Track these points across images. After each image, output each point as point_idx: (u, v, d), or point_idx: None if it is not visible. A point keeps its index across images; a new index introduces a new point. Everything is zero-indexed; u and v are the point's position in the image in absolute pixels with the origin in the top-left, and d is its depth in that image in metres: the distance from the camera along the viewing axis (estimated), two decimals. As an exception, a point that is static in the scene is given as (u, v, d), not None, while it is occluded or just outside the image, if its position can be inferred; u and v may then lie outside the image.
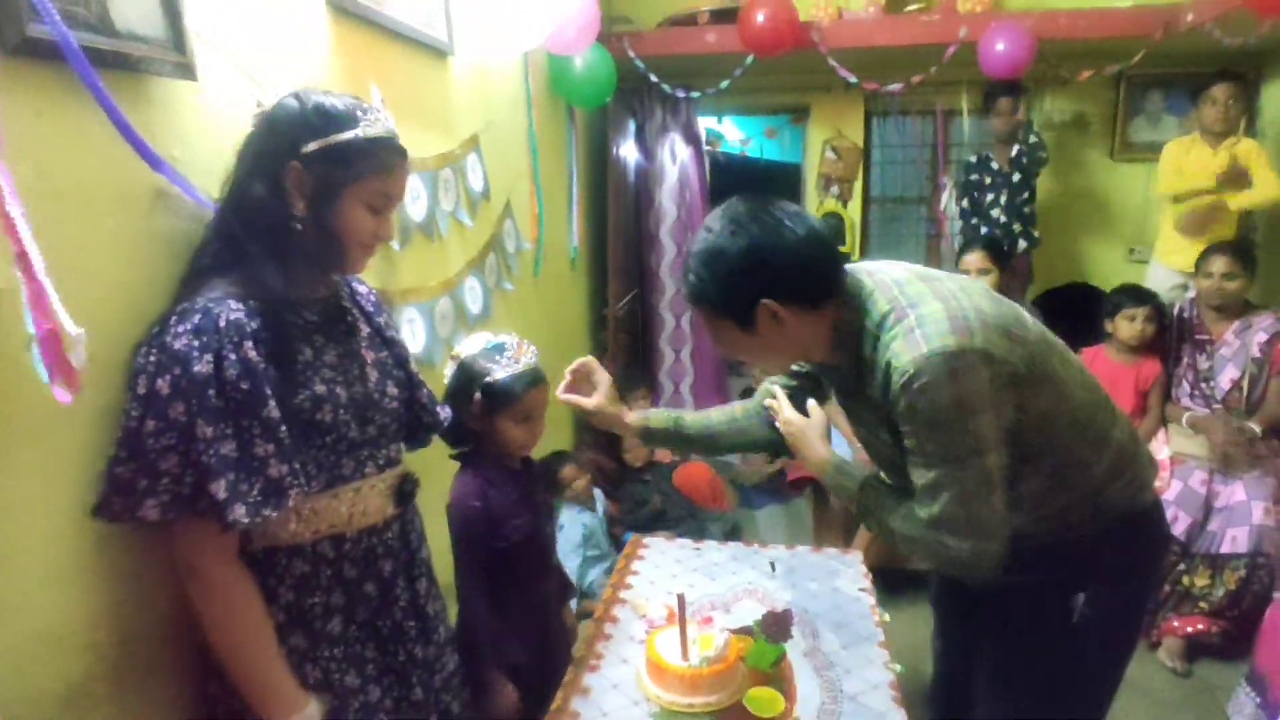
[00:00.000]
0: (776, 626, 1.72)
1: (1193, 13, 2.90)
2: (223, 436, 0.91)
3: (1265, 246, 3.22)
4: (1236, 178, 2.95)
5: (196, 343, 0.91)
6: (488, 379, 1.48)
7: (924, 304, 1.08)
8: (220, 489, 0.90)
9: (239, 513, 0.91)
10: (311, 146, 0.99)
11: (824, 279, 1.13)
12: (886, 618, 1.72)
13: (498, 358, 1.50)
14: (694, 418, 1.60)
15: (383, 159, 1.05)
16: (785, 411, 1.39)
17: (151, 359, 0.92)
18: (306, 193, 1.01)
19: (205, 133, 1.13)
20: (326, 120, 1.01)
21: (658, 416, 1.58)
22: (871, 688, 1.53)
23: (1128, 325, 2.73)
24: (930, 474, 1.09)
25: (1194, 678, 2.36)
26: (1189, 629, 2.41)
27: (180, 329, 0.92)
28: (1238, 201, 2.99)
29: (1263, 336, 2.54)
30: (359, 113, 1.03)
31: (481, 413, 1.49)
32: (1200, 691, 2.30)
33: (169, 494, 0.91)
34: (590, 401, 1.52)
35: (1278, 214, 3.37)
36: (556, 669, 1.60)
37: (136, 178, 1.02)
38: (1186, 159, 3.10)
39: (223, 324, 0.93)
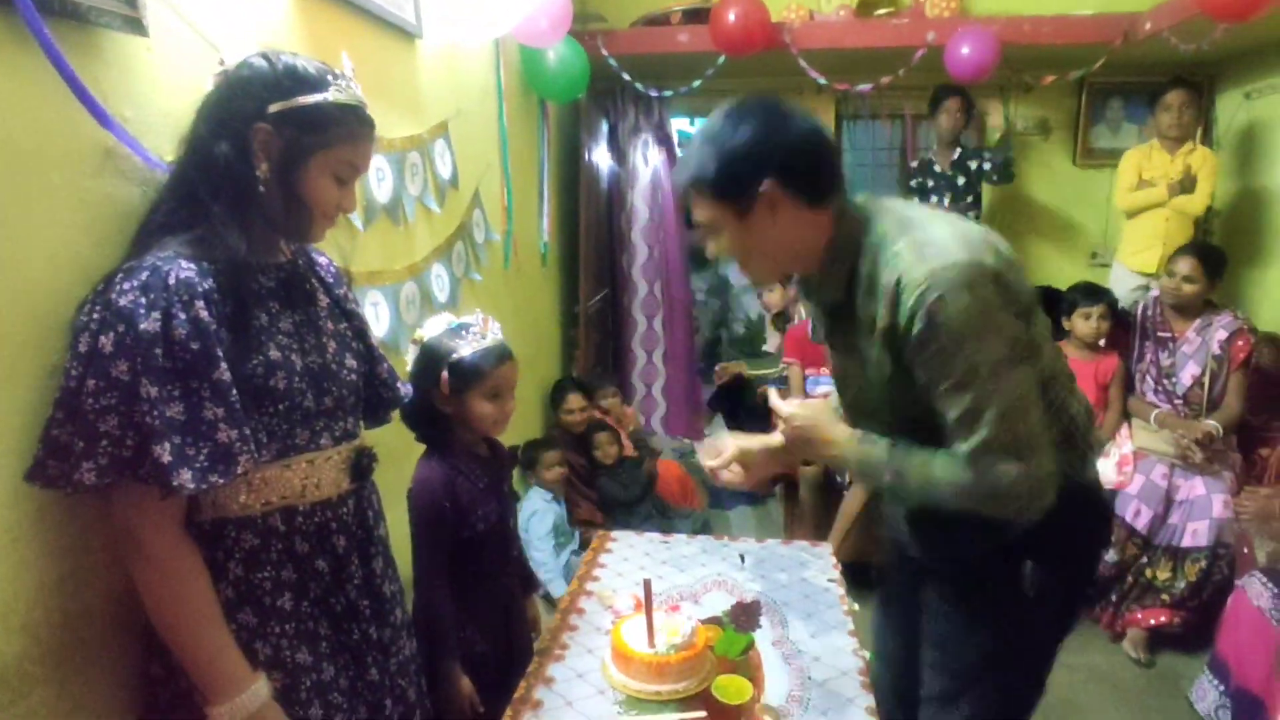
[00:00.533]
0: (745, 616, 1.70)
1: (1151, 20, 2.98)
2: (169, 398, 0.87)
3: (1221, 249, 3.31)
4: (1188, 186, 3.08)
5: (143, 299, 0.88)
6: (455, 356, 1.45)
7: (930, 226, 1.06)
8: (165, 452, 0.86)
9: (185, 477, 0.87)
10: (280, 107, 0.97)
11: (826, 174, 1.11)
12: (855, 607, 1.72)
13: (464, 334, 1.48)
14: None
15: (353, 128, 1.03)
16: (786, 407, 1.24)
17: (95, 316, 0.88)
18: (273, 156, 0.98)
19: (157, 92, 1.09)
20: (297, 82, 0.98)
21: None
22: (840, 674, 1.53)
23: (1084, 323, 2.79)
24: (964, 398, 1.01)
25: (1157, 667, 2.40)
26: (1152, 620, 2.45)
27: (126, 286, 0.89)
28: (1175, 205, 3.11)
29: (1223, 334, 2.61)
30: (330, 77, 1.01)
31: (450, 392, 1.46)
32: (1163, 680, 2.33)
33: (107, 457, 0.86)
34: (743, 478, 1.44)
35: (1234, 218, 3.47)
36: (518, 661, 1.56)
37: (84, 134, 0.98)
38: (1148, 164, 3.19)
39: (172, 282, 0.89)
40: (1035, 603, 1.14)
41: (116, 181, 1.03)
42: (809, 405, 1.25)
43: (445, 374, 1.44)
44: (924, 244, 1.02)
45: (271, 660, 1.00)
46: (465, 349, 1.46)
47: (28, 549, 0.92)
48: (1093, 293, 2.83)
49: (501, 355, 1.50)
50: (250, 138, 0.97)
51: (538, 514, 2.76)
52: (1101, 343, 2.83)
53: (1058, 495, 1.17)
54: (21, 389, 0.91)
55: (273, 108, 0.97)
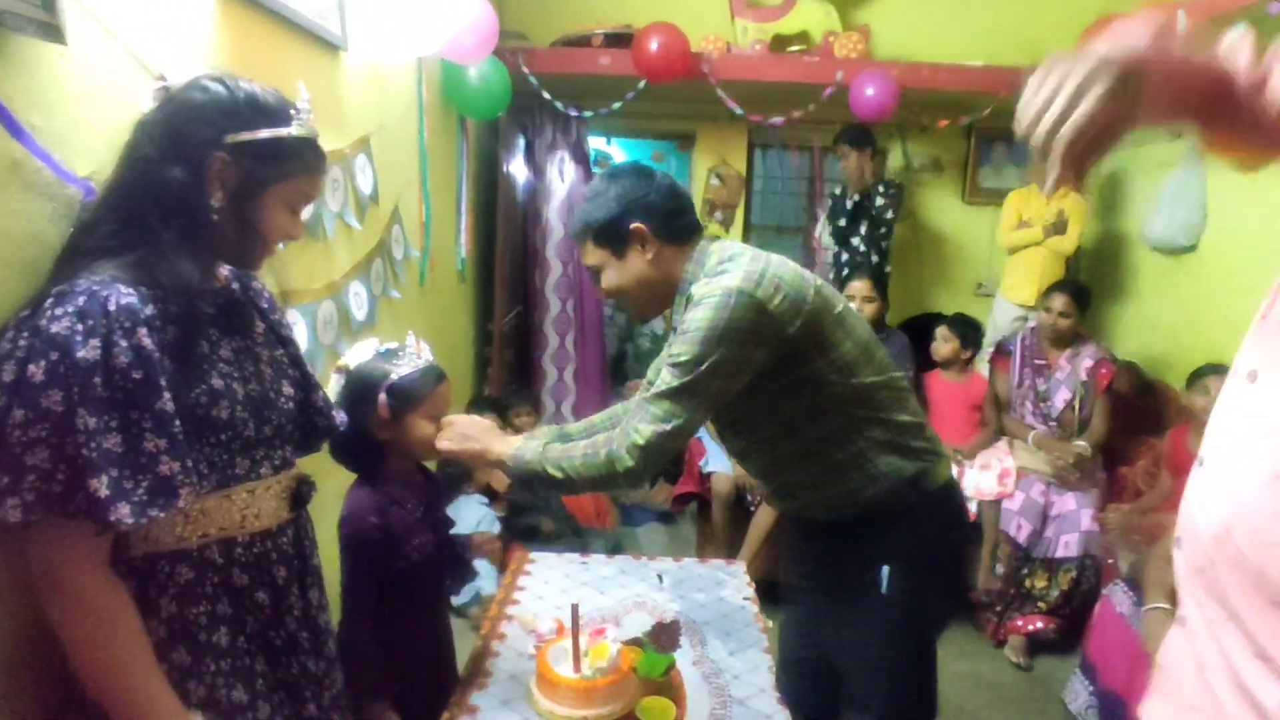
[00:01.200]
0: (665, 637, 1.74)
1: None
2: (107, 429, 0.83)
3: (1088, 285, 3.64)
4: (1060, 228, 3.39)
5: (80, 326, 0.83)
6: (393, 379, 1.41)
7: (739, 259, 1.29)
8: (102, 486, 0.81)
9: (123, 512, 0.82)
10: (242, 137, 0.96)
11: (682, 218, 1.37)
12: (770, 624, 1.78)
13: (398, 357, 1.44)
14: (576, 427, 1.67)
15: (310, 161, 1.04)
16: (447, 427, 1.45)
17: (21, 344, 0.83)
18: (230, 185, 0.97)
19: (72, 102, 1.03)
20: (258, 113, 0.98)
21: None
22: (758, 691, 1.58)
23: (942, 345, 3.09)
24: (669, 376, 1.26)
25: (1035, 671, 2.60)
26: (1030, 627, 2.65)
27: (59, 312, 0.83)
28: (1049, 245, 3.43)
29: (1089, 362, 2.89)
30: (291, 110, 1.02)
31: (390, 417, 1.42)
32: (1041, 683, 2.53)
33: (35, 492, 0.81)
34: None
35: (1097, 258, 3.83)
36: (444, 700, 1.53)
37: (-13, 144, 0.91)
38: (1026, 205, 3.50)
39: (112, 308, 0.85)
40: (900, 605, 1.29)
41: (24, 196, 0.96)
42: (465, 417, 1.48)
43: (383, 398, 1.41)
44: (721, 271, 1.28)
45: (206, 700, 0.96)
46: (403, 370, 1.43)
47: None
48: (948, 322, 3.13)
49: (439, 375, 1.48)
50: (207, 165, 0.95)
51: (483, 521, 2.73)
52: (974, 369, 3.12)
53: (908, 504, 1.34)
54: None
55: (233, 138, 0.95)
